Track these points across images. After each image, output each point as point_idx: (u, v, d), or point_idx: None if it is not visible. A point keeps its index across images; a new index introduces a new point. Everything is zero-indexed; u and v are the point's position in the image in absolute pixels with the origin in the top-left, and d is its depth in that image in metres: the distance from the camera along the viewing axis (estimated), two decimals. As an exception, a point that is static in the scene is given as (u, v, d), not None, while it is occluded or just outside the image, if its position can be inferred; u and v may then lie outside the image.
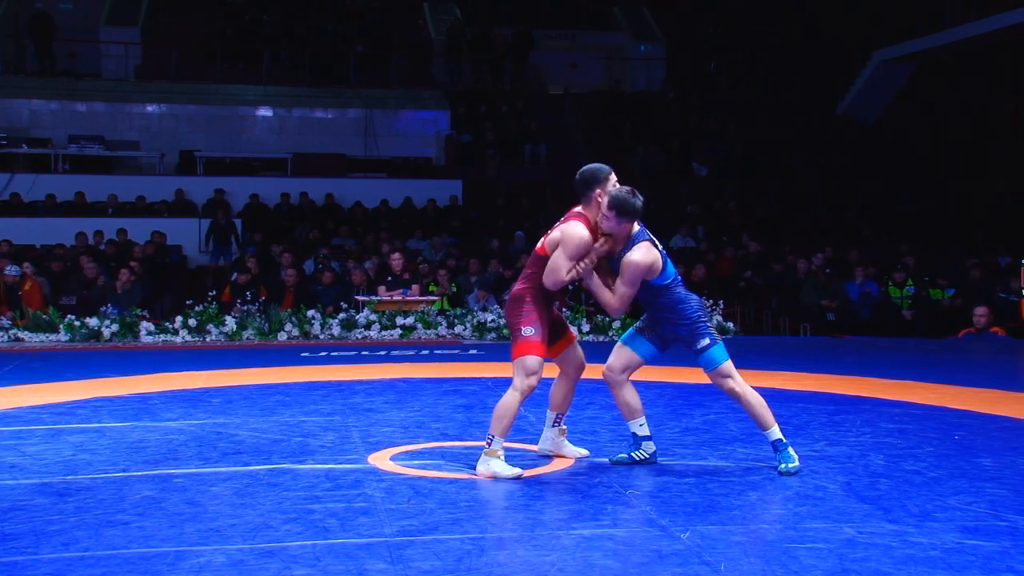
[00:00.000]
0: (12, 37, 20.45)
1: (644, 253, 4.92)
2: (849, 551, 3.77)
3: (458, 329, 11.73)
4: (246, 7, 22.05)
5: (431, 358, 9.89)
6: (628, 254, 4.91)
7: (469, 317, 11.83)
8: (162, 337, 11.24)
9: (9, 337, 11.06)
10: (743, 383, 5.04)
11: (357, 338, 11.45)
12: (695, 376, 8.35)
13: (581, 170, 5.04)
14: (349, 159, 18.85)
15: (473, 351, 10.51)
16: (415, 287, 12.36)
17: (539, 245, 5.03)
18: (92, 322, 11.17)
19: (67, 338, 11.10)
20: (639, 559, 3.69)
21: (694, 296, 5.19)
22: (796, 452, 5.08)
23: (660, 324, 5.18)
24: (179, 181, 17.51)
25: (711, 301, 12.15)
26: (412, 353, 10.32)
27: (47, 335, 11.16)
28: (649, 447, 5.25)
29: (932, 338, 12.30)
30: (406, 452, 5.48)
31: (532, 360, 4.90)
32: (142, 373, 8.64)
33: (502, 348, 10.88)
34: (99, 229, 14.94)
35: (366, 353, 10.24)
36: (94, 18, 20.81)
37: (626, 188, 4.95)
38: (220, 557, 3.70)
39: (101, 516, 4.22)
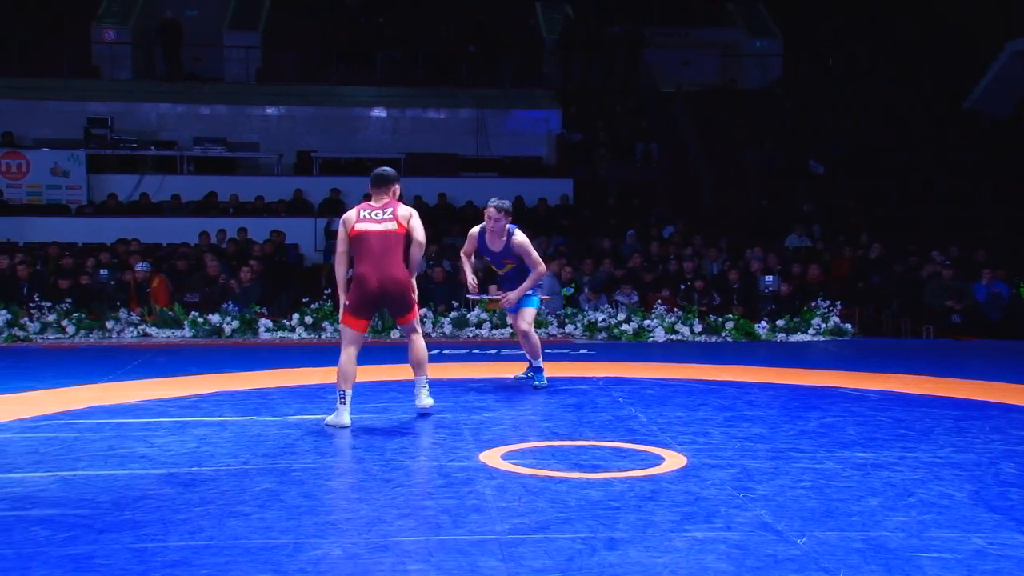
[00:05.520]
0: (143, 46, 21.31)
1: (522, 234, 7.52)
2: (978, 562, 3.62)
3: (569, 328, 11.72)
4: (361, 9, 22.48)
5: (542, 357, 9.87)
6: (514, 239, 7.48)
7: (580, 316, 11.80)
8: (280, 334, 11.55)
9: (138, 332, 11.53)
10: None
11: (468, 336, 11.54)
12: (810, 379, 8.18)
13: (385, 170, 6.48)
14: (461, 159, 19.01)
15: (584, 351, 10.48)
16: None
17: (381, 229, 6.17)
18: (214, 319, 11.55)
19: (191, 334, 11.50)
20: (754, 563, 3.62)
21: None
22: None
23: (505, 287, 7.77)
24: (296, 181, 17.95)
25: (828, 302, 11.86)
26: (523, 352, 10.32)
27: (172, 331, 11.59)
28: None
29: (1065, 342, 11.73)
30: (517, 450, 5.49)
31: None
32: (261, 369, 8.89)
33: (613, 348, 10.84)
34: (221, 228, 15.40)
35: (477, 352, 10.31)
36: (218, 24, 21.52)
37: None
38: (336, 550, 3.77)
39: (224, 507, 4.35)
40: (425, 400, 6.45)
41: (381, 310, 6.45)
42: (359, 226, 6.22)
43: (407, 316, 6.40)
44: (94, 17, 20.84)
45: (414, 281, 6.37)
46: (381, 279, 6.14)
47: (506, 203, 7.49)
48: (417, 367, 6.44)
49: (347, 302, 6.25)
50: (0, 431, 6.04)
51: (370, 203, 6.36)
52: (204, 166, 18.43)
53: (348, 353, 6.20)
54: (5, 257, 13.08)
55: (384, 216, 6.25)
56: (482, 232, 7.61)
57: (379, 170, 6.50)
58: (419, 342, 6.44)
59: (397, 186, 6.44)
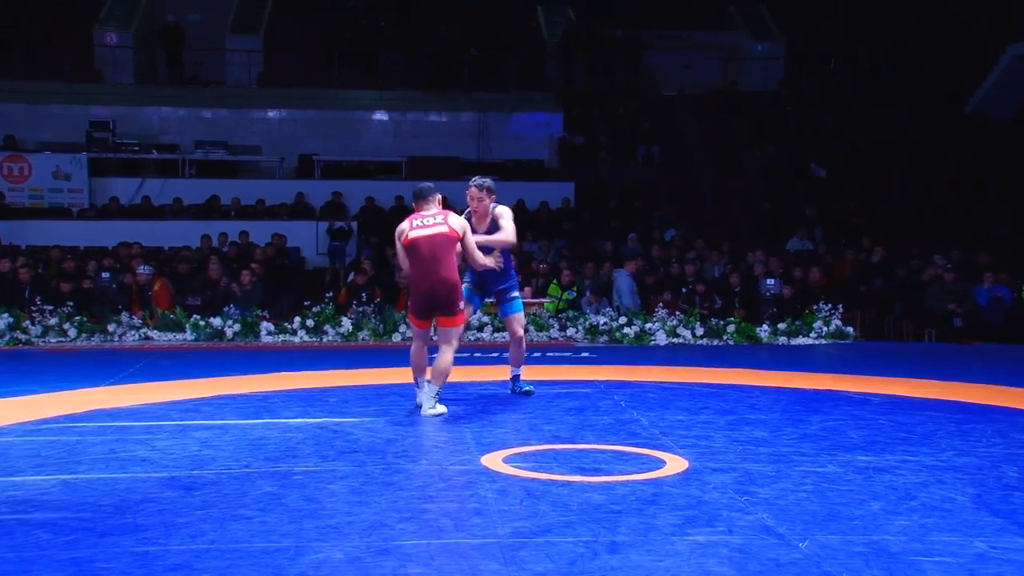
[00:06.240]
0: (145, 50, 21.34)
1: (505, 206, 7.27)
2: (980, 566, 3.61)
3: (570, 332, 11.71)
4: (363, 12, 22.49)
5: (543, 360, 9.90)
6: (496, 211, 7.17)
7: (581, 320, 11.80)
8: (281, 337, 11.55)
9: (140, 336, 11.53)
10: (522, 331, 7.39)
11: (469, 340, 11.53)
12: (812, 382, 8.17)
13: (424, 184, 6.93)
14: (463, 162, 18.97)
15: (585, 354, 10.48)
16: (527, 289, 12.39)
17: (429, 233, 6.56)
18: (216, 322, 11.56)
19: (192, 337, 11.50)
20: (756, 567, 3.62)
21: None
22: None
23: (487, 281, 7.21)
24: (298, 184, 17.97)
25: (829, 306, 11.85)
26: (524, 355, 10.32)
27: (174, 334, 11.59)
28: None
29: (1068, 345, 11.71)
30: (518, 454, 5.49)
31: (463, 327, 6.93)
32: (262, 372, 8.89)
33: (614, 351, 10.83)
34: (223, 231, 15.41)
35: (479, 355, 10.31)
36: (220, 27, 21.53)
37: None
38: (338, 554, 3.77)
39: (225, 510, 4.35)
40: (428, 410, 6.62)
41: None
42: (411, 234, 6.63)
43: (452, 319, 6.69)
44: (96, 21, 20.85)
45: (486, 257, 6.87)
46: (432, 282, 6.56)
47: (488, 180, 7.21)
48: (437, 376, 6.68)
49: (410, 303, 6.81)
50: (2, 434, 6.04)
51: (420, 213, 6.74)
52: (206, 169, 18.46)
53: (415, 345, 6.88)
54: (7, 260, 13.09)
55: (435, 221, 6.64)
56: (467, 218, 7.22)
57: (419, 186, 6.94)
58: (448, 355, 6.67)
59: (439, 196, 6.85)
